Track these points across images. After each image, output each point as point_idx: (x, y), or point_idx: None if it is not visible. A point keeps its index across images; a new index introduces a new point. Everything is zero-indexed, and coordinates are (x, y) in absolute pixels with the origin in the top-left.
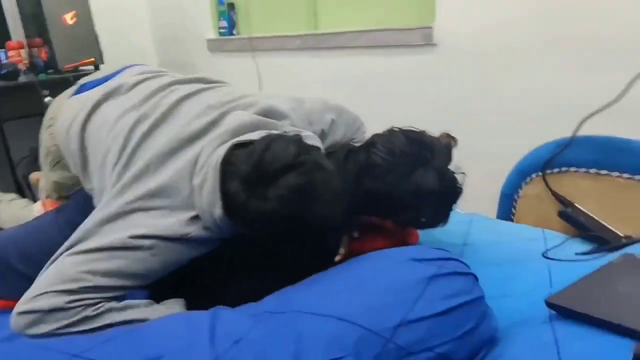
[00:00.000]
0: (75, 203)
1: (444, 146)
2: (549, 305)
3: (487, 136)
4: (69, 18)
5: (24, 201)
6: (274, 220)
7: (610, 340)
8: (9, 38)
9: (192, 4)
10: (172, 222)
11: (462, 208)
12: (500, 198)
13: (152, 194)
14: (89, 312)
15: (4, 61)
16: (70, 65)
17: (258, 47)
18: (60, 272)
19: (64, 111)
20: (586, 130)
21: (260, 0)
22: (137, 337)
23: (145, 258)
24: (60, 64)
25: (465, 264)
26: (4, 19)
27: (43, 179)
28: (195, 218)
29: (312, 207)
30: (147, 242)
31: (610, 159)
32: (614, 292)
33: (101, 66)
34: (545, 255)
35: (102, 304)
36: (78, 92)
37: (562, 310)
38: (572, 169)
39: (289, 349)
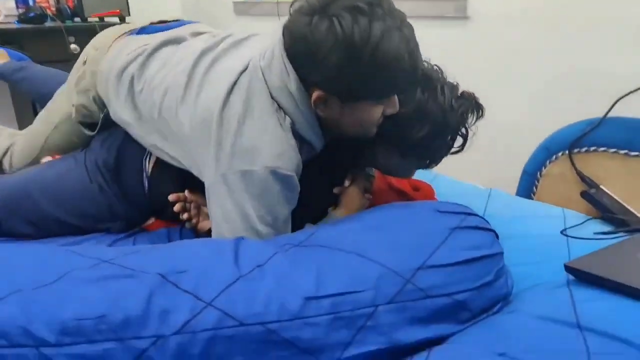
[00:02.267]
0: (100, 143)
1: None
2: (568, 269)
3: (515, 112)
4: None
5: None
6: (341, 51)
7: (626, 303)
8: None
9: None
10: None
11: (481, 183)
12: (522, 176)
13: None
14: None
15: (31, 4)
16: (96, 15)
17: (285, 11)
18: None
19: (118, 46)
20: (619, 112)
21: None
22: (163, 252)
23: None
24: (87, 12)
25: (486, 220)
26: None
27: (61, 103)
28: None
29: (385, 38)
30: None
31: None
32: (633, 259)
33: (127, 19)
34: (563, 232)
35: None
36: (135, 33)
37: (580, 274)
38: (602, 149)
39: (311, 276)
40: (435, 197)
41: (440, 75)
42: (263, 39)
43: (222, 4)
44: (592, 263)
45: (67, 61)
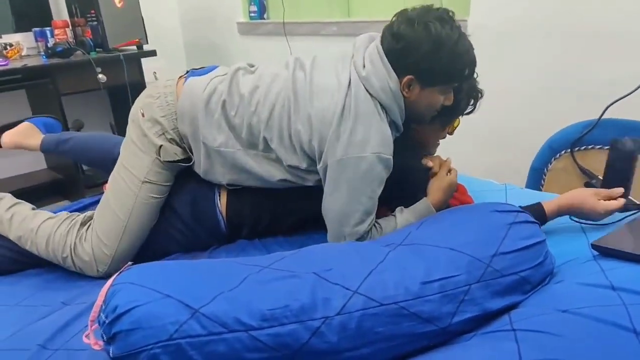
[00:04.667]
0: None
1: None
2: (594, 247)
3: (516, 119)
4: (118, 0)
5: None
6: (431, 43)
7: None
8: (51, 18)
9: None
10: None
11: (496, 179)
12: (530, 171)
13: None
14: None
15: (50, 39)
16: (119, 45)
17: (292, 31)
18: None
19: (185, 89)
20: (612, 114)
21: None
22: (306, 256)
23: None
24: (110, 43)
25: (531, 214)
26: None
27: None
28: None
29: (460, 38)
30: None
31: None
32: None
33: (145, 46)
34: (572, 218)
35: None
36: (190, 75)
37: (606, 251)
38: (598, 146)
39: (422, 267)
40: (467, 193)
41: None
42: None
43: (225, 25)
44: (615, 240)
45: (96, 89)
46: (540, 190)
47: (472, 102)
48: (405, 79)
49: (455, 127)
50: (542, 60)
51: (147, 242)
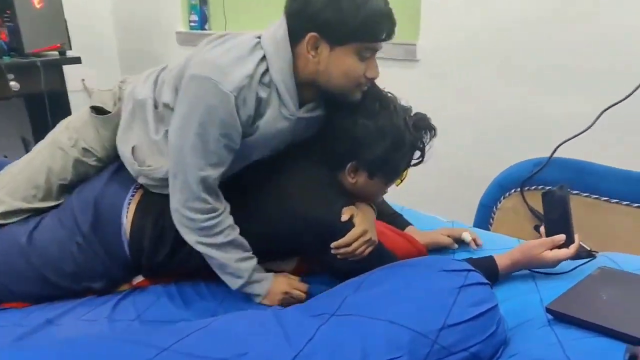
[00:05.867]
0: (77, 197)
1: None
2: (549, 311)
3: (464, 152)
4: (37, 1)
5: None
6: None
7: (603, 341)
8: None
9: None
10: None
11: (442, 216)
12: (479, 208)
13: None
14: None
15: None
16: (37, 50)
17: None
18: None
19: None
20: (562, 153)
21: None
22: (215, 334)
23: None
24: (26, 48)
25: (481, 274)
26: None
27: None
28: None
29: None
30: None
31: (581, 180)
32: (600, 299)
33: (68, 52)
34: None
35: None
36: None
37: (561, 316)
38: (548, 187)
39: (357, 346)
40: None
41: (393, 97)
42: None
43: (163, 34)
44: (568, 305)
45: (7, 99)
46: (489, 229)
47: (418, 154)
48: (308, 37)
49: (404, 178)
50: (493, 93)
51: (39, 254)
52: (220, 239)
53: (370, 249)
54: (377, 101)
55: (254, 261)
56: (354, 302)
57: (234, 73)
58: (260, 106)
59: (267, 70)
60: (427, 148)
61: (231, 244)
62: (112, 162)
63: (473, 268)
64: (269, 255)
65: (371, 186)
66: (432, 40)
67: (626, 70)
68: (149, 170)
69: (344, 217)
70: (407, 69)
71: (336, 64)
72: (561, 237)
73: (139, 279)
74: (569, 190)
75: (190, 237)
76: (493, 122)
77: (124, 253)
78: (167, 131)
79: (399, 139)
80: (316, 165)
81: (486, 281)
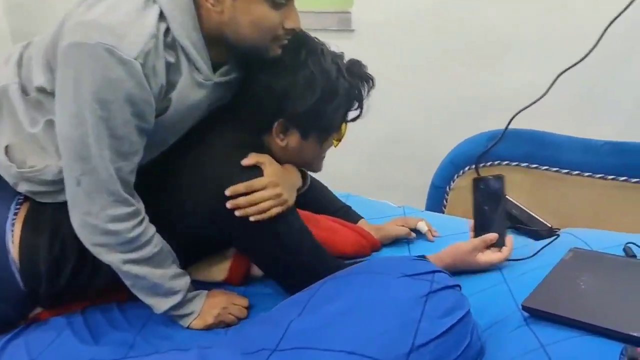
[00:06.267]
0: None
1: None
2: (525, 308)
3: (409, 128)
4: None
5: None
6: None
7: (590, 341)
8: None
9: None
10: None
11: (392, 200)
12: (430, 189)
13: None
14: None
15: None
16: None
17: None
18: None
19: None
20: (517, 125)
21: None
22: None
23: None
24: None
25: (448, 274)
26: None
27: None
28: None
29: None
30: None
31: (540, 152)
32: (579, 289)
33: None
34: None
35: None
36: None
37: (538, 313)
38: (505, 162)
39: None
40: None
41: (321, 42)
42: None
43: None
44: (544, 300)
45: None
46: (443, 211)
47: (355, 105)
48: None
49: (343, 135)
50: (438, 64)
51: None
52: (149, 250)
53: (278, 209)
54: (302, 47)
55: (188, 277)
56: (300, 329)
57: (131, 34)
58: (169, 74)
59: (168, 29)
60: (364, 99)
61: (161, 254)
62: None
63: (437, 268)
64: (193, 255)
65: (306, 148)
66: (368, 7)
67: (580, 34)
68: (32, 172)
69: (247, 161)
70: (342, 40)
71: (243, 13)
72: (493, 236)
73: (36, 311)
74: (504, 183)
75: (113, 258)
76: (440, 95)
77: (15, 285)
78: (48, 121)
79: (331, 86)
80: (237, 132)
81: (454, 282)
